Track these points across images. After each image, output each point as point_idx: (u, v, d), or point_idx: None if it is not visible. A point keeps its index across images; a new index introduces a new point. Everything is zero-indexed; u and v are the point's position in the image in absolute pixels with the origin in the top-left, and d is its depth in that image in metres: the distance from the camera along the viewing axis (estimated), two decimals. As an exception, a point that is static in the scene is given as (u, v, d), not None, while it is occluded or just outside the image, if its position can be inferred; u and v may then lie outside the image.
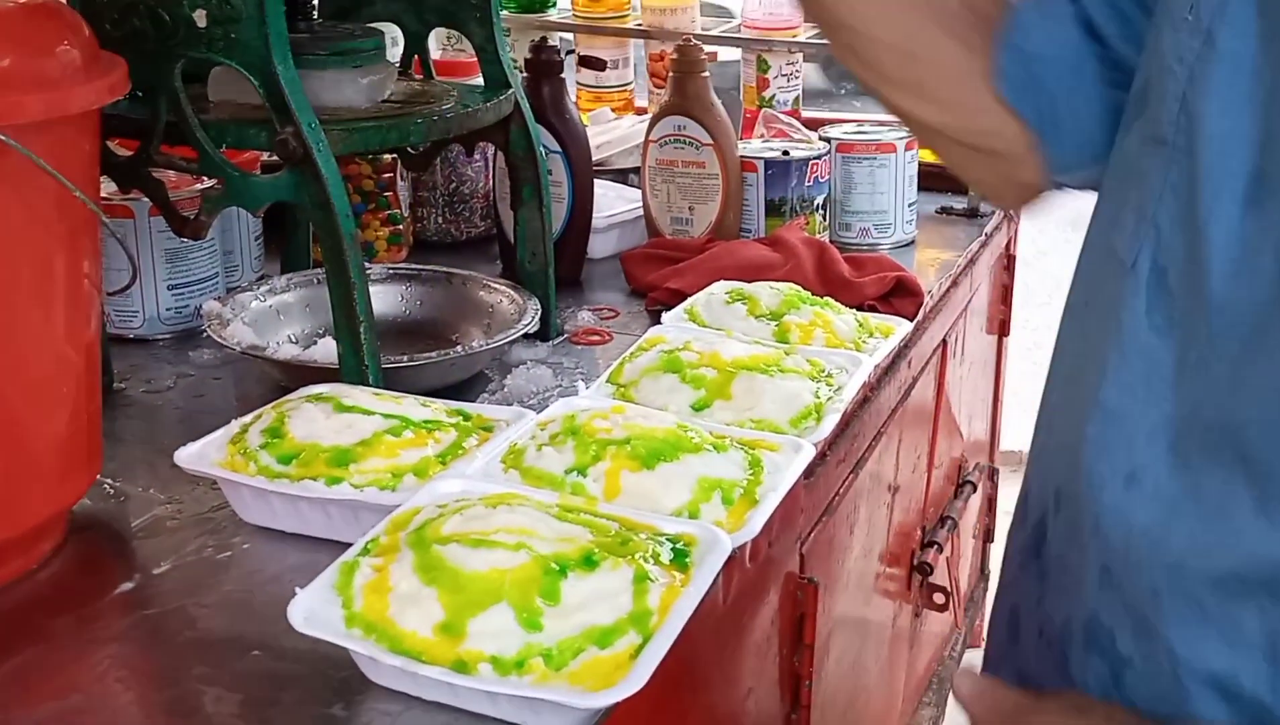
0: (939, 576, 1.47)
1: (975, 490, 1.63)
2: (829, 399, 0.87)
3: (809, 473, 0.88)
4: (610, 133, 1.64)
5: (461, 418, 0.87)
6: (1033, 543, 0.71)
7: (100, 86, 0.73)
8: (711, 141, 1.30)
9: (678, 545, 0.67)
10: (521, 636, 0.59)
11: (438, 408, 0.87)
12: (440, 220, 1.48)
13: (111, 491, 0.89)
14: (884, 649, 1.35)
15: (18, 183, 0.68)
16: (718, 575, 0.66)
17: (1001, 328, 1.86)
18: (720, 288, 1.08)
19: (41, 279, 0.72)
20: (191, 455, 0.82)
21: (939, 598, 1.50)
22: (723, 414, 0.86)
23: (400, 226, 1.41)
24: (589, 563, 0.62)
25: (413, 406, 0.85)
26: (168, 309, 1.18)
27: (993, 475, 1.98)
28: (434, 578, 0.62)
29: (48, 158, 0.69)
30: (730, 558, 0.71)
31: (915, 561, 1.41)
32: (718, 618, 0.73)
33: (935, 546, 1.44)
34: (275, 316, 1.15)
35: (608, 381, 0.92)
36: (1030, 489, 0.72)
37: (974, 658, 1.99)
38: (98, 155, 0.79)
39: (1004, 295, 1.83)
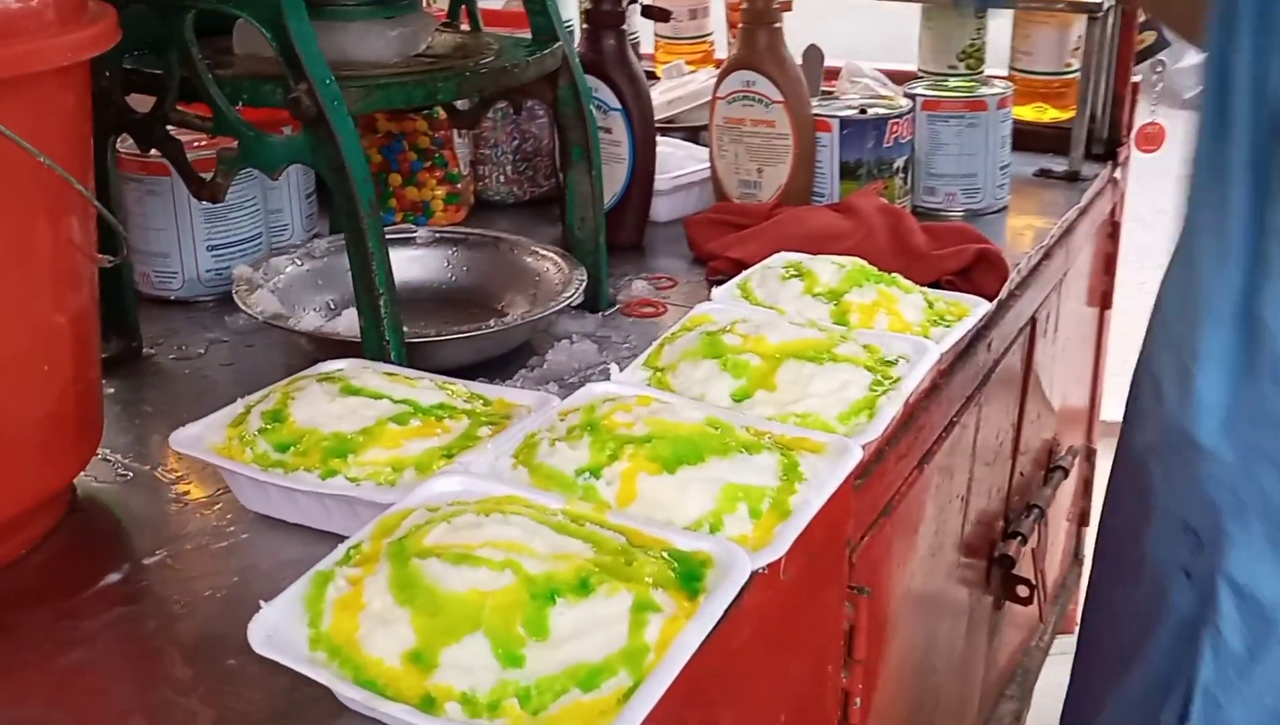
0: (1023, 568, 1.37)
1: (1067, 476, 1.52)
2: (885, 393, 0.78)
3: (862, 472, 0.80)
4: (683, 87, 1.55)
5: (481, 402, 0.80)
6: None
7: (82, 38, 0.67)
8: (782, 99, 1.21)
9: (690, 566, 0.59)
10: (497, 672, 0.52)
11: (456, 390, 0.80)
12: (503, 179, 1.41)
13: (120, 468, 0.85)
14: (957, 647, 1.26)
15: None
16: (733, 602, 0.58)
17: (1104, 300, 1.73)
18: (778, 261, 0.99)
19: (15, 244, 0.66)
20: (188, 438, 0.76)
21: (1022, 590, 1.40)
22: (764, 407, 0.77)
23: (458, 186, 1.34)
24: (583, 587, 0.55)
25: (428, 389, 0.79)
26: (208, 271, 1.14)
27: (1089, 456, 1.86)
28: (409, 597, 0.55)
29: (21, 115, 0.63)
30: (757, 574, 0.63)
31: (995, 554, 1.31)
32: (740, 643, 0.65)
33: (1019, 537, 1.34)
34: (313, 282, 1.09)
35: (644, 365, 0.84)
36: None
37: (1065, 644, 1.87)
38: (87, 112, 0.73)
39: (1107, 265, 1.70)
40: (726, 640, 0.62)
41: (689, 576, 0.59)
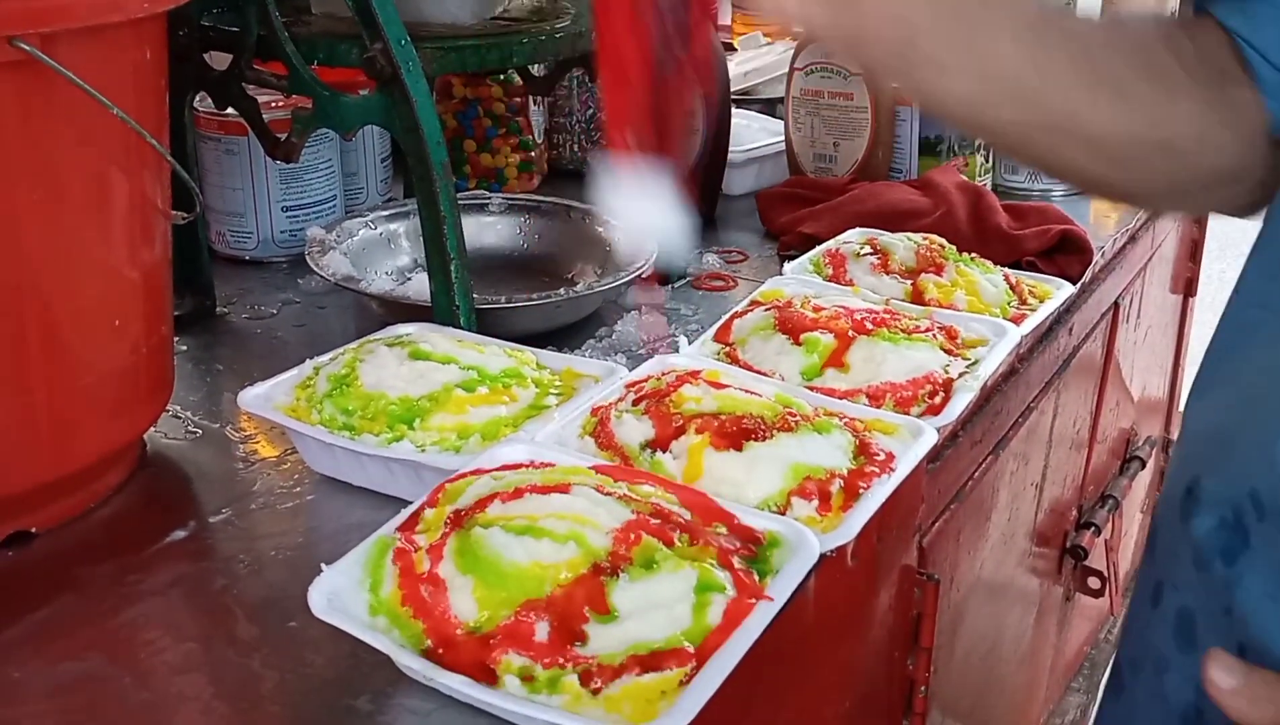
0: (1095, 559, 1.34)
1: (1144, 466, 1.48)
2: (961, 375, 0.76)
3: (935, 456, 0.77)
4: (760, 59, 1.53)
5: (548, 372, 0.79)
6: (1224, 543, 0.59)
7: (159, -9, 0.67)
8: (861, 70, 1.18)
9: (757, 546, 0.58)
10: (557, 648, 0.51)
11: (524, 358, 0.79)
12: (576, 148, 1.40)
13: (190, 426, 0.85)
14: (1025, 637, 1.23)
15: (62, 94, 0.62)
16: (799, 586, 0.56)
17: (1188, 287, 1.68)
18: (853, 236, 0.97)
19: (87, 197, 0.66)
20: (256, 398, 0.76)
21: (1094, 582, 1.37)
22: (835, 385, 0.75)
23: (532, 153, 1.33)
24: (647, 564, 0.54)
25: (495, 356, 0.78)
26: (282, 231, 1.14)
27: (1166, 446, 1.81)
28: (471, 565, 0.54)
29: (96, 67, 0.63)
30: (825, 558, 0.61)
31: (1068, 544, 1.28)
32: (805, 628, 0.63)
33: (1092, 528, 1.31)
34: (385, 245, 1.09)
35: (712, 339, 0.83)
36: (1204, 472, 0.61)
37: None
38: (163, 68, 0.72)
39: (1193, 251, 1.65)
40: (791, 624, 0.61)
41: (756, 557, 0.57)
